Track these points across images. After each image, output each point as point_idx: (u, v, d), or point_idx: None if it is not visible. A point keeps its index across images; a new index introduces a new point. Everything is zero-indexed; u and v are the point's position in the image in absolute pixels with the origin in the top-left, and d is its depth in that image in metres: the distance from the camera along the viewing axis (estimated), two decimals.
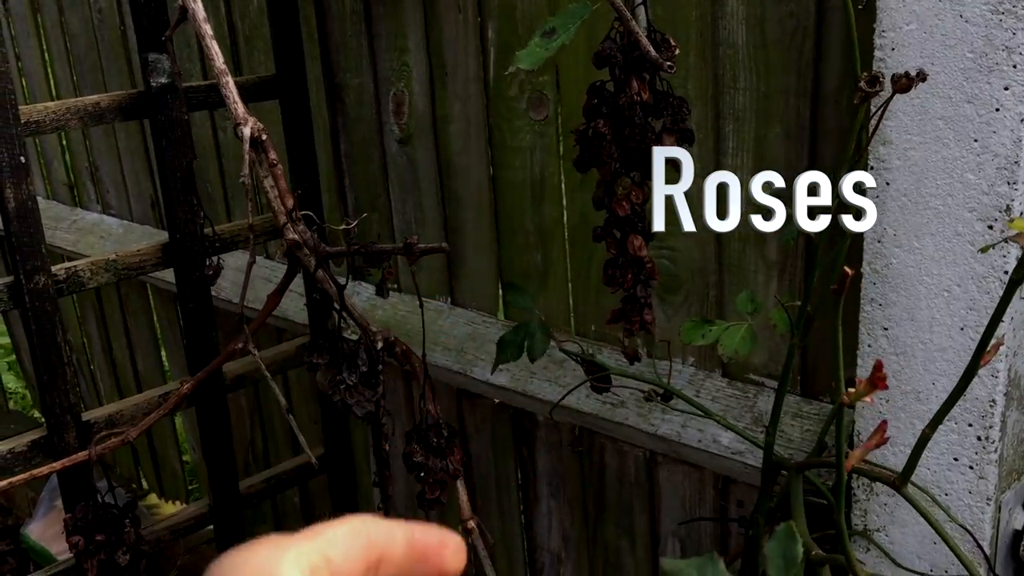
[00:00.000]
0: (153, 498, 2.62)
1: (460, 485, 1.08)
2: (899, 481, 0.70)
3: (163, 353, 2.39)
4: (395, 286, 1.72)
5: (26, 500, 2.87)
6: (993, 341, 0.63)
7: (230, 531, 1.53)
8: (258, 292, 1.85)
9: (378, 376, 0.88)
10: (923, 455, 1.00)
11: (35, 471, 1.03)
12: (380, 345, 0.92)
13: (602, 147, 0.82)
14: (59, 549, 2.29)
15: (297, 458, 1.67)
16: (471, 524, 1.06)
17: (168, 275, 2.01)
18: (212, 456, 1.48)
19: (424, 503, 0.92)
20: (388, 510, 1.89)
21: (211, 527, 1.55)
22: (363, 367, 0.87)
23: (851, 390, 0.53)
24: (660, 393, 1.16)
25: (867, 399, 0.52)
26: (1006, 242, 0.80)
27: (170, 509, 2.55)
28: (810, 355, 1.20)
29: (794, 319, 0.80)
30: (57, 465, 1.03)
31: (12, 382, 3.89)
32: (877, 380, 0.52)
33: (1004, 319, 0.92)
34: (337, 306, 0.97)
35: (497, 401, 1.59)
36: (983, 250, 0.80)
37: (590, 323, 1.44)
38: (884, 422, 0.57)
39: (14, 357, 3.55)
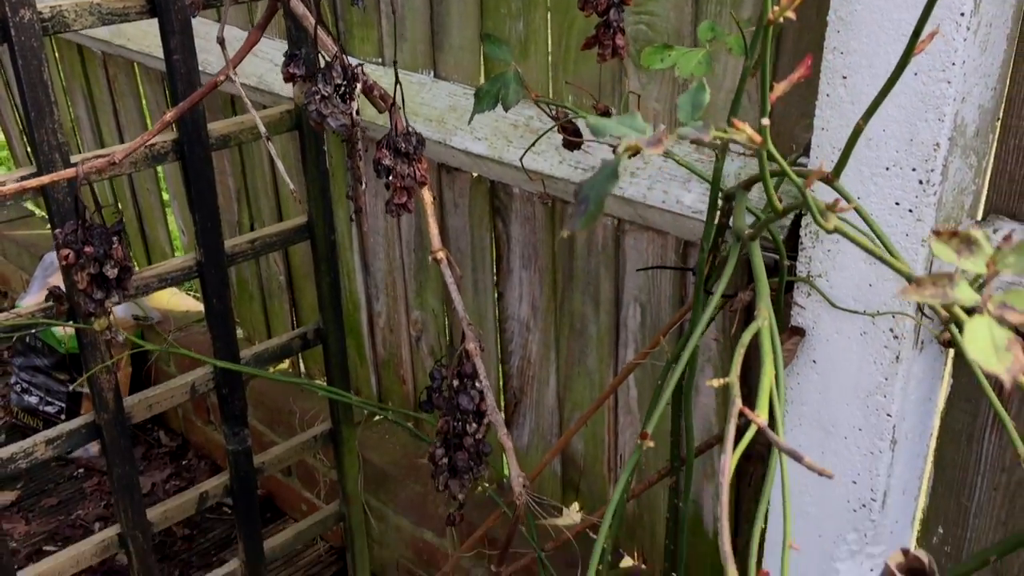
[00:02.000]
0: None
1: (432, 221, 1.14)
2: (832, 176, 0.75)
3: None
4: (378, 60, 1.74)
5: (20, 282, 2.96)
6: (926, 32, 0.67)
7: (215, 286, 1.61)
8: (242, 66, 1.86)
9: (353, 92, 0.92)
10: (866, 200, 1.05)
11: (25, 183, 1.08)
12: (355, 71, 0.96)
13: None
14: None
15: (281, 223, 1.73)
16: (440, 255, 1.12)
17: (155, 50, 2.00)
18: (197, 211, 1.54)
19: (391, 208, 0.97)
20: (369, 272, 1.95)
21: (202, 317, 1.62)
22: (338, 79, 0.90)
23: (776, 7, 0.56)
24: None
25: (790, 13, 0.55)
26: None
27: (161, 293, 2.63)
28: (774, 119, 1.24)
29: (749, 43, 0.83)
30: (45, 179, 1.08)
31: None
32: None
33: (956, 62, 0.95)
34: (314, 27, 0.99)
35: (475, 174, 1.63)
36: None
37: (568, 94, 1.47)
38: (809, 55, 0.61)
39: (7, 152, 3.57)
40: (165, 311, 2.54)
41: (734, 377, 0.59)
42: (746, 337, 0.64)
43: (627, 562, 1.75)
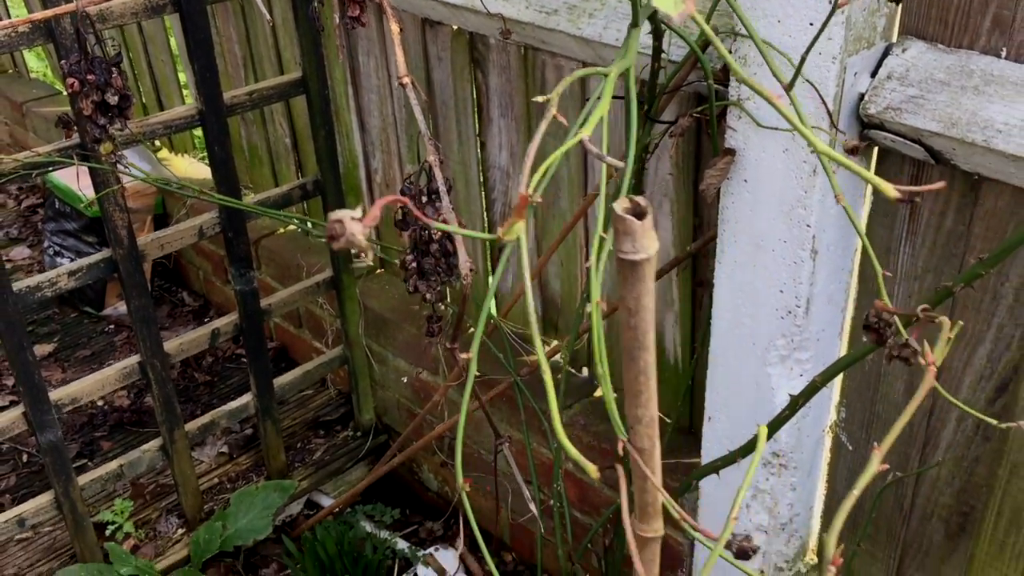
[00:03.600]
0: (164, 152, 2.85)
1: (399, 49, 1.25)
2: None
3: None
4: None
5: None
6: None
7: (216, 134, 1.74)
8: None
9: None
10: (786, 21, 1.15)
11: (31, 16, 1.21)
12: None
13: None
14: (78, 185, 2.56)
15: (277, 78, 1.85)
16: (405, 80, 1.24)
17: None
18: (196, 61, 1.66)
19: (346, 22, 1.09)
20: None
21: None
22: None
23: None
24: None
25: None
26: None
27: (180, 162, 2.78)
28: None
29: None
30: (49, 12, 1.21)
31: (33, 61, 4.06)
32: None
33: None
34: None
35: (455, 27, 1.73)
36: None
37: None
38: None
39: None
40: (184, 178, 2.69)
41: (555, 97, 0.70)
42: (580, 73, 0.75)
43: (599, 392, 1.91)
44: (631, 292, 0.55)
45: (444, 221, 1.21)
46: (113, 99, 1.26)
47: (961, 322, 1.23)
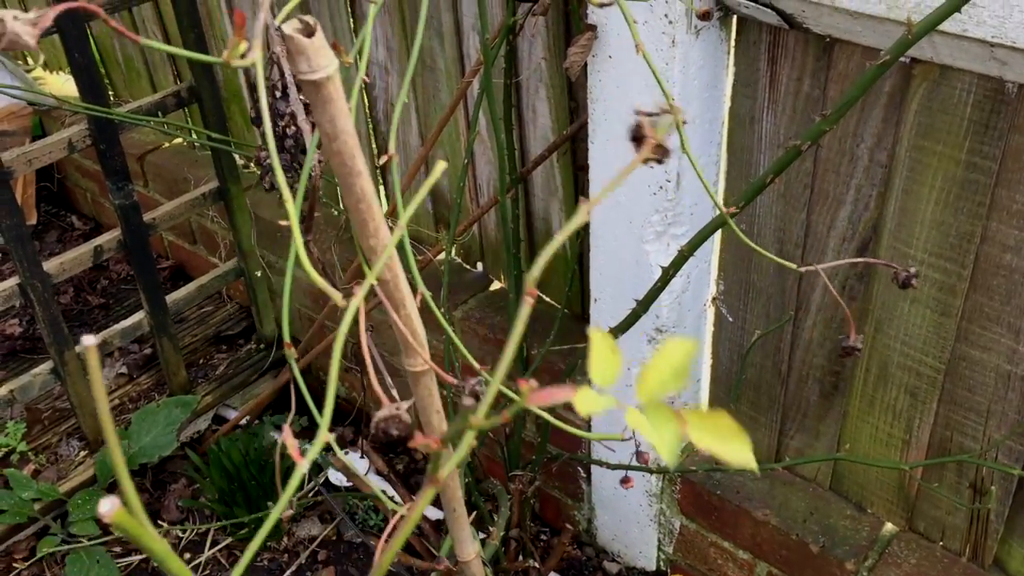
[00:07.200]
0: (39, 71, 2.72)
1: None
2: None
3: None
4: None
5: None
6: None
7: (75, 40, 1.66)
8: None
9: None
10: None
11: None
12: None
13: None
14: None
15: None
16: None
17: None
18: None
19: None
20: None
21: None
22: None
23: None
24: None
25: None
26: None
27: (55, 80, 2.66)
28: None
29: None
30: None
31: None
32: None
33: None
34: None
35: None
36: None
37: None
38: None
39: None
40: (60, 95, 2.57)
41: None
42: None
43: (495, 285, 1.92)
44: (324, 115, 0.54)
45: (293, 114, 1.18)
46: None
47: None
